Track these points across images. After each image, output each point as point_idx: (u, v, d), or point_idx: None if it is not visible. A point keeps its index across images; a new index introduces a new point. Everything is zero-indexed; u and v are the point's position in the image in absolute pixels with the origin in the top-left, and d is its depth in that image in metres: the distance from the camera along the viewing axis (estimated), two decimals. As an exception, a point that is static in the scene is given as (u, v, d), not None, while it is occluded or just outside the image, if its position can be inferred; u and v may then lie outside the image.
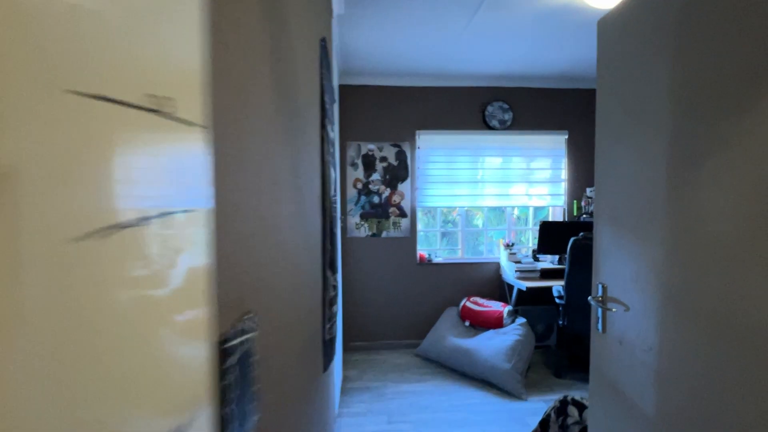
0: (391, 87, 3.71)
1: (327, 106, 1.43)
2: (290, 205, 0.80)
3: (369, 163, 3.71)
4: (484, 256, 3.97)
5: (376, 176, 3.71)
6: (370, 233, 3.74)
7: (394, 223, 3.74)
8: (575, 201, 3.89)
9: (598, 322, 1.19)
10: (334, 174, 1.96)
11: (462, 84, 3.75)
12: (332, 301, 1.48)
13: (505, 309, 3.37)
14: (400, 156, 3.72)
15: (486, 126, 3.79)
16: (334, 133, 2.06)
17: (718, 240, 0.86)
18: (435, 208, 3.95)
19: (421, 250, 3.88)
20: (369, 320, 3.78)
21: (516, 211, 4.07)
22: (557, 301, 3.05)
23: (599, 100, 1.25)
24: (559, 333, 3.73)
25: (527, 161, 3.87)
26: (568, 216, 3.92)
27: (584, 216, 3.82)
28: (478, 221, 4.09)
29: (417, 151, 3.76)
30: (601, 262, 1.22)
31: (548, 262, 3.75)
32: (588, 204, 3.85)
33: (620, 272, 1.11)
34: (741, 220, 0.81)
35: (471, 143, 3.81)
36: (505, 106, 3.77)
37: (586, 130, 3.92)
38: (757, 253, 0.75)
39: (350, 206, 3.71)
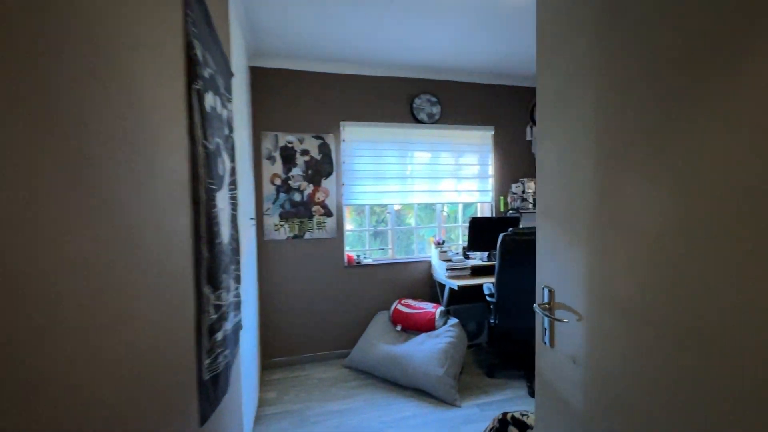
0: (311, 73, 3.35)
1: (200, 60, 1.06)
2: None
3: (288, 156, 3.30)
4: (416, 256, 3.80)
5: (297, 171, 3.32)
6: (291, 235, 3.34)
7: (319, 223, 3.39)
8: (502, 197, 3.90)
9: (544, 335, 1.00)
10: (229, 162, 1.57)
11: (389, 74, 3.53)
12: (214, 328, 1.11)
13: (437, 310, 3.21)
14: (324, 149, 3.38)
15: (414, 119, 3.62)
16: (230, 112, 1.66)
17: (647, 237, 0.70)
18: (364, 205, 3.68)
19: (350, 252, 3.58)
20: (291, 332, 3.37)
21: (446, 208, 3.97)
22: (488, 299, 2.96)
23: (538, 83, 1.07)
24: (490, 331, 3.71)
25: (456, 157, 3.79)
26: (495, 212, 3.92)
27: (511, 212, 3.85)
28: (410, 219, 3.91)
29: (342, 144, 3.45)
30: (545, 261, 1.02)
31: (478, 259, 3.70)
32: (514, 200, 3.89)
33: (569, 273, 0.92)
34: (673, 215, 0.65)
35: (399, 137, 3.61)
36: (433, 99, 3.63)
37: (511, 127, 3.96)
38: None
39: (267, 205, 3.27)
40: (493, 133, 3.85)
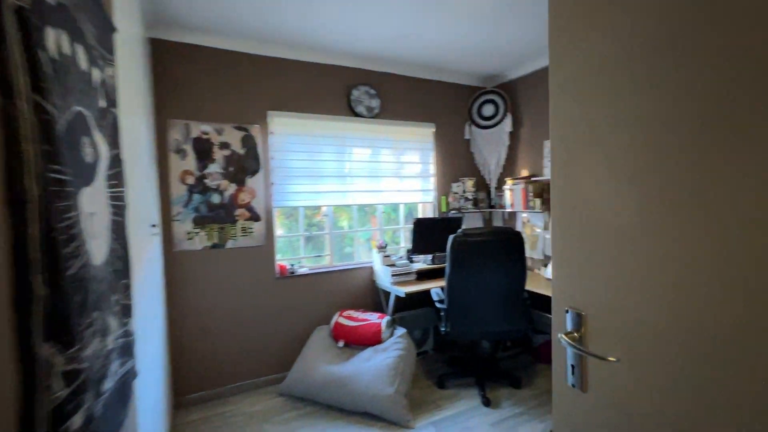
0: (232, 53, 2.85)
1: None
2: None
3: (204, 150, 2.76)
4: (356, 262, 3.48)
5: (215, 168, 2.79)
6: (209, 244, 2.79)
7: (244, 229, 2.90)
8: (443, 197, 3.77)
9: (570, 373, 0.76)
10: (106, 147, 1.10)
11: (325, 60, 3.17)
12: (65, 412, 0.67)
13: (383, 321, 2.93)
14: (248, 142, 2.90)
15: (352, 112, 3.30)
16: (111, 78, 1.18)
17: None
18: (297, 208, 3.26)
19: (282, 261, 3.14)
20: (213, 360, 2.82)
21: (382, 210, 3.73)
22: (438, 305, 2.77)
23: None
24: (438, 337, 3.54)
25: (397, 154, 3.56)
26: (437, 212, 3.78)
27: (453, 212, 3.73)
28: (344, 222, 3.58)
29: (270, 137, 3.00)
30: (568, 276, 0.79)
31: (422, 262, 3.52)
32: (455, 199, 3.79)
33: (617, 291, 0.69)
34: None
35: (336, 131, 3.27)
36: (372, 91, 3.36)
37: (451, 125, 3.85)
38: None
39: (177, 209, 2.69)
40: (434, 130, 3.71)
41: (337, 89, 3.25)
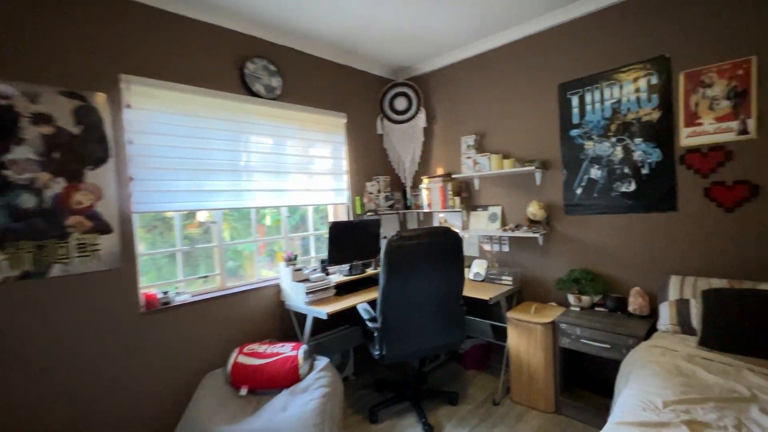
0: (54, -20, 1.89)
1: None
2: None
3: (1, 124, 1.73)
4: (257, 281, 2.77)
5: (23, 153, 1.78)
6: (13, 274, 1.76)
7: (83, 247, 1.94)
8: (357, 197, 3.34)
9: None
10: None
11: (210, 19, 2.41)
12: None
13: (299, 351, 2.32)
14: (87, 117, 1.96)
15: (248, 90, 2.61)
16: None
17: None
18: (166, 213, 2.40)
19: (150, 288, 2.24)
20: (27, 458, 1.78)
21: (268, 218, 3.10)
22: (369, 324, 2.30)
23: None
24: (360, 359, 3.07)
25: (305, 146, 2.98)
26: (352, 215, 3.32)
27: (369, 214, 3.33)
28: (226, 233, 2.83)
29: (127, 112, 2.11)
30: None
31: (338, 273, 3.01)
32: (371, 200, 3.39)
33: None
34: None
35: (228, 113, 2.53)
36: (272, 67, 2.73)
37: (364, 116, 3.46)
38: None
39: (-54, 219, 1.60)
40: (345, 120, 3.25)
41: (227, 59, 2.52)
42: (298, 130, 2.90)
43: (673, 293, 2.16)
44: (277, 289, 2.75)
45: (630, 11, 2.36)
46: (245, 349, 2.37)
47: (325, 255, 3.18)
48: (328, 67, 3.13)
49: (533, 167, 2.72)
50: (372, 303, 2.66)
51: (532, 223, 2.83)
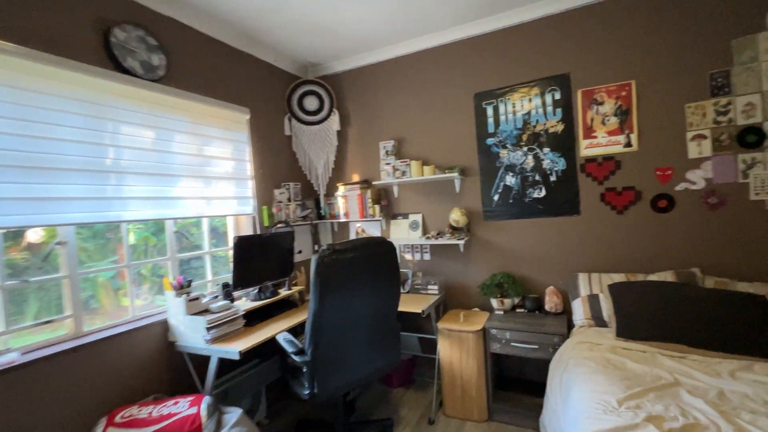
0: None
1: None
2: None
3: None
4: (130, 318, 2.08)
5: None
6: None
7: None
8: (265, 207, 2.87)
9: None
10: None
11: (47, -43, 1.72)
12: None
13: (201, 406, 1.78)
14: None
15: (116, 65, 1.96)
16: None
17: None
18: (-17, 233, 1.60)
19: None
20: None
21: (132, 235, 2.47)
22: (296, 358, 1.90)
23: None
24: (272, 398, 2.58)
25: (199, 144, 2.41)
26: (258, 227, 2.83)
27: (279, 225, 2.89)
28: (84, 255, 2.11)
29: None
30: None
31: (245, 298, 2.50)
32: (280, 210, 2.96)
33: None
34: None
35: (88, 93, 1.84)
36: (153, 41, 2.13)
37: (270, 114, 3.01)
38: None
39: None
40: (249, 117, 2.77)
41: (83, 18, 1.84)
42: (189, 124, 2.32)
43: (583, 289, 2.35)
44: (162, 327, 2.11)
45: (538, 30, 2.55)
46: (119, 417, 1.71)
47: (225, 277, 2.63)
48: (227, 53, 2.63)
49: (454, 174, 2.72)
50: (292, 330, 2.26)
51: (454, 230, 2.82)
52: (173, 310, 2.08)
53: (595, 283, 2.33)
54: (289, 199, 3.06)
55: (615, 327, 2.04)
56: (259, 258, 2.48)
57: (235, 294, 2.41)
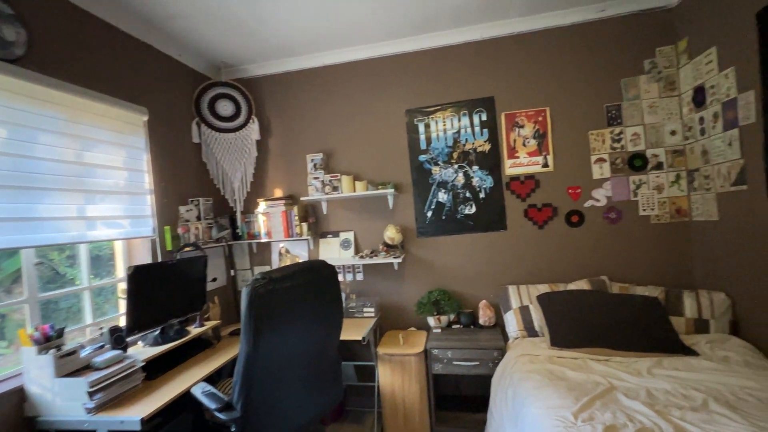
0: None
1: None
2: None
3: None
4: (-38, 390, 1.45)
5: None
6: None
7: None
8: (168, 227, 2.38)
9: None
10: None
11: None
12: None
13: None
14: None
15: (-56, 34, 1.39)
16: None
17: None
18: None
19: None
20: None
21: (33, 258, 1.87)
22: (221, 416, 1.53)
23: None
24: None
25: (79, 149, 1.86)
26: (160, 253, 2.32)
27: (187, 250, 2.42)
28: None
29: None
30: None
31: (144, 344, 2.00)
32: (187, 230, 2.49)
33: None
34: None
35: None
36: (7, 9, 1.59)
37: (174, 117, 2.55)
38: None
39: None
40: (147, 118, 2.28)
41: None
42: (64, 122, 1.78)
43: (514, 302, 2.45)
44: (15, 399, 1.52)
45: (466, 53, 2.66)
46: None
47: (114, 319, 2.09)
48: (116, 38, 2.13)
49: (389, 190, 2.63)
50: (211, 379, 1.86)
51: (389, 247, 2.72)
52: (34, 373, 1.51)
53: (524, 294, 2.45)
54: (198, 218, 2.60)
55: (548, 337, 2.14)
56: (161, 291, 2.01)
57: (130, 339, 1.90)
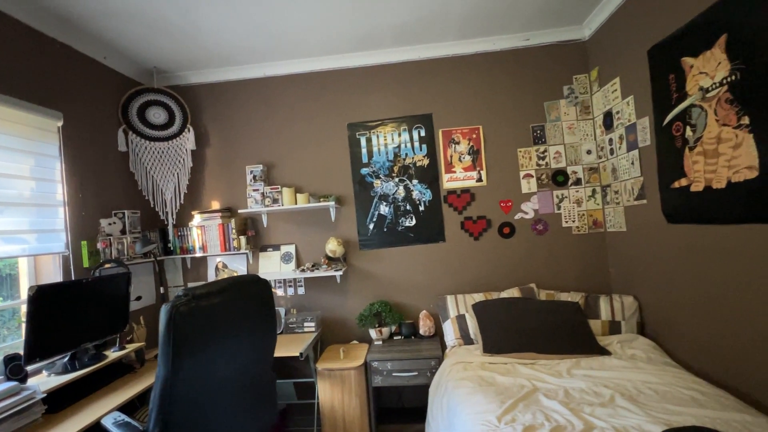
0: None
1: None
2: None
3: None
4: None
5: None
6: None
7: None
8: (86, 242, 2.18)
9: None
10: None
11: None
12: None
13: None
14: None
15: None
16: None
17: None
18: None
19: None
20: None
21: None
22: (134, 448, 1.41)
23: None
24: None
25: (-29, 155, 1.66)
26: (74, 270, 2.12)
27: (108, 266, 2.23)
28: None
29: None
30: None
31: (47, 374, 1.80)
32: (109, 245, 2.31)
33: None
34: None
35: None
36: None
37: (95, 124, 2.37)
38: None
39: None
40: (61, 123, 2.09)
41: None
42: (-48, 125, 1.59)
43: (452, 311, 2.53)
44: None
45: (406, 71, 2.76)
46: None
47: (13, 346, 1.87)
48: (28, 37, 1.96)
49: (330, 203, 2.63)
50: (129, 405, 1.72)
51: (331, 260, 2.71)
52: None
53: (461, 303, 2.54)
54: (123, 231, 2.41)
55: (481, 343, 2.24)
56: (72, 313, 1.83)
57: (32, 368, 1.70)
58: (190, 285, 2.77)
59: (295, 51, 2.64)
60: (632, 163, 2.23)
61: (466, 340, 2.42)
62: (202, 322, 1.48)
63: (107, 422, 1.51)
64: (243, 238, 2.70)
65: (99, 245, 2.25)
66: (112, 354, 2.03)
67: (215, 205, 2.84)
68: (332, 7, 2.17)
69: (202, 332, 1.48)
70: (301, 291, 2.79)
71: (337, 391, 2.30)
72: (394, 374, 2.29)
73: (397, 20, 2.36)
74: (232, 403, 1.65)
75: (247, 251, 2.73)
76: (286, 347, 2.29)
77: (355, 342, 2.71)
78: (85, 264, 2.16)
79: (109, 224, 2.34)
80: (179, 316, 1.41)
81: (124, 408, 1.75)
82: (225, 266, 2.84)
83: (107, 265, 2.22)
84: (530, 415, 1.55)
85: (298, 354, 2.19)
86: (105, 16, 2.09)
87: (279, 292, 2.80)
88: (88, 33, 2.22)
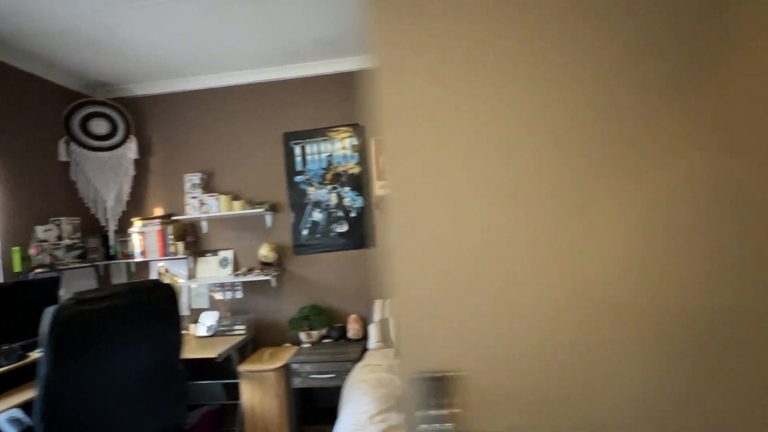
0: None
1: None
2: None
3: None
4: None
5: None
6: None
7: None
8: (18, 248, 2.30)
9: None
10: None
11: None
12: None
13: None
14: None
15: None
16: None
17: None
18: None
19: None
20: None
21: None
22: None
23: None
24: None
25: None
26: (4, 274, 2.24)
27: (40, 270, 2.35)
28: None
29: None
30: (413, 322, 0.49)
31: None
32: (43, 251, 2.43)
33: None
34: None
35: None
36: None
37: (33, 136, 2.50)
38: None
39: None
40: (-8, 137, 2.23)
41: None
42: None
43: (377, 315, 2.60)
44: None
45: (335, 82, 2.85)
46: None
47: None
48: (-45, 56, 2.09)
49: (263, 209, 2.72)
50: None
51: (264, 265, 2.80)
52: None
53: (387, 307, 2.61)
54: (59, 238, 2.54)
55: (395, 346, 2.30)
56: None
57: (-56, 367, 1.81)
58: (82, 290, 2.88)
59: (233, 64, 2.75)
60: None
61: (388, 343, 2.48)
62: (86, 327, 1.57)
63: (2, 419, 1.61)
64: (181, 244, 2.80)
65: (32, 251, 2.37)
66: (36, 354, 2.14)
67: (158, 211, 2.96)
68: (252, 22, 2.27)
69: (87, 336, 1.57)
70: (239, 294, 2.89)
71: (258, 392, 2.38)
72: (311, 376, 2.37)
73: (317, 35, 2.45)
74: (128, 403, 1.75)
75: (185, 256, 2.83)
76: (211, 349, 2.38)
77: (287, 345, 2.79)
78: (17, 268, 2.28)
79: (45, 231, 2.47)
80: (62, 320, 1.50)
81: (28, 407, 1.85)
82: (167, 271, 2.95)
83: (38, 270, 2.34)
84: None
85: (215, 356, 2.28)
86: (37, 35, 2.22)
87: (218, 295, 2.90)
88: (25, 51, 2.35)
